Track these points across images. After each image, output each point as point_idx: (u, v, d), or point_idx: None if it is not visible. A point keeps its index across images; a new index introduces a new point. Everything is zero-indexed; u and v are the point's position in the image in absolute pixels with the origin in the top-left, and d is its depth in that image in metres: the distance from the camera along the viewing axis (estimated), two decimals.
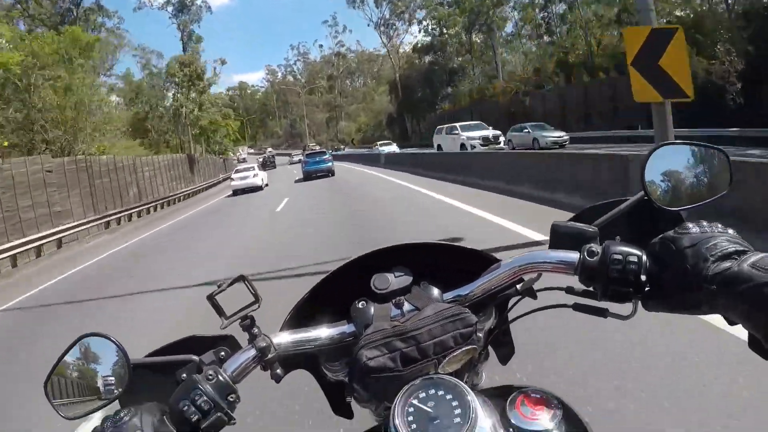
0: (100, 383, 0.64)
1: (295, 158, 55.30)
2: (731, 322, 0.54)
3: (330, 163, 24.57)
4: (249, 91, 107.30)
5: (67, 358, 0.65)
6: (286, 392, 2.76)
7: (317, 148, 38.79)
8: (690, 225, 0.59)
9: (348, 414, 0.82)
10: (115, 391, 0.63)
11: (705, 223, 0.59)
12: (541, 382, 0.66)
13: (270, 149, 79.72)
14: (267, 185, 25.06)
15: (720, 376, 2.41)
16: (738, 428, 2.00)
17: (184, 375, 0.66)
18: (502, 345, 0.82)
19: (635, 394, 2.36)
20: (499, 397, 0.62)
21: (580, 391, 2.41)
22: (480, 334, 0.67)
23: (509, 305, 0.78)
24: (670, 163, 0.70)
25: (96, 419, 0.61)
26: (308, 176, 24.07)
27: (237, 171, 24.22)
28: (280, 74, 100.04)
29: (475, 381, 0.74)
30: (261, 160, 43.66)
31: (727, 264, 0.53)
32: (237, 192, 23.24)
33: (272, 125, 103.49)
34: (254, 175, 23.32)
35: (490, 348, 0.78)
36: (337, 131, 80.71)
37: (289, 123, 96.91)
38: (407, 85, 53.25)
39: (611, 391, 2.41)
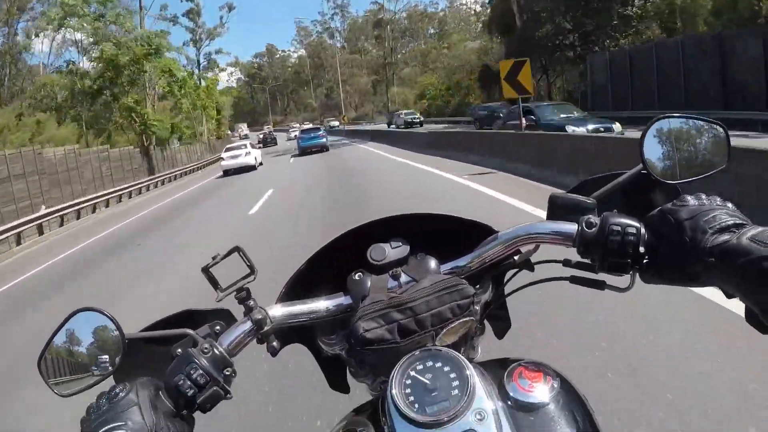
0: (94, 359, 0.64)
1: (292, 134, 55.77)
2: (729, 295, 0.53)
3: (324, 139, 26.02)
4: (279, 56, 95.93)
5: (61, 334, 0.64)
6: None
7: (310, 125, 42.69)
8: (689, 197, 0.59)
9: (344, 389, 0.83)
10: (110, 366, 0.63)
11: (704, 196, 0.59)
12: (538, 356, 0.65)
13: (269, 127, 74.06)
14: (261, 164, 24.60)
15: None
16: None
17: (180, 350, 0.65)
18: (499, 319, 0.83)
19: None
20: (497, 369, 0.62)
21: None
22: (477, 307, 0.67)
23: (506, 278, 0.78)
24: (668, 136, 0.71)
25: (91, 396, 0.60)
26: (303, 152, 25.64)
27: (227, 149, 23.77)
28: (315, 34, 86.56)
29: (472, 355, 0.73)
30: (261, 137, 44.44)
31: (725, 237, 0.53)
32: (228, 172, 22.64)
33: (305, 96, 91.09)
34: (246, 154, 22.76)
35: (486, 322, 0.78)
36: (387, 100, 60.49)
37: (325, 92, 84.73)
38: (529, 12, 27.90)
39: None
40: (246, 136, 57.64)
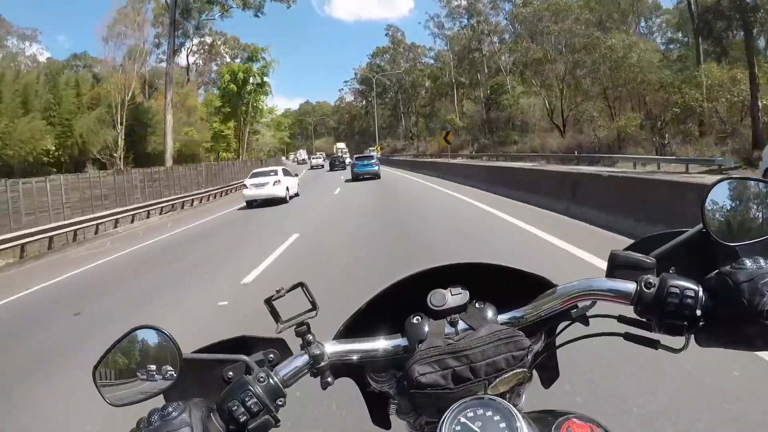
0: (147, 374, 0.65)
1: (313, 161, 58.81)
2: None
3: (376, 167, 26.45)
4: (405, 51, 70.94)
5: (120, 347, 0.66)
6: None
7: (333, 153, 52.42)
8: (747, 261, 0.60)
9: (386, 425, 0.83)
10: (164, 383, 0.64)
11: (762, 260, 0.60)
12: (582, 410, 0.66)
13: (340, 145, 69.88)
14: (297, 195, 19.61)
15: None
16: None
17: (231, 374, 0.68)
18: (547, 368, 0.83)
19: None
20: (546, 421, 0.63)
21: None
22: (529, 357, 0.68)
23: (558, 329, 0.78)
24: (730, 197, 0.71)
25: (141, 411, 0.61)
26: (356, 177, 26.00)
27: (253, 175, 18.62)
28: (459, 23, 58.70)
29: (516, 401, 0.73)
30: (329, 160, 47.73)
31: None
32: (252, 204, 17.41)
33: (446, 111, 61.74)
34: (275, 183, 17.53)
35: (534, 370, 0.77)
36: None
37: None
38: None
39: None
40: (304, 161, 54.41)
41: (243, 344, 0.72)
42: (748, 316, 0.55)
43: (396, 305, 0.77)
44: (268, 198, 17.51)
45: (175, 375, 0.64)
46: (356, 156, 30.50)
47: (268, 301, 0.70)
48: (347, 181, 26.56)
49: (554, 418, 0.63)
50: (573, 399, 2.49)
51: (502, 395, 0.64)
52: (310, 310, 0.70)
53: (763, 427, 2.24)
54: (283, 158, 69.47)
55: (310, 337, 0.69)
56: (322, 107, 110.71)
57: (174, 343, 0.65)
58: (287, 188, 18.06)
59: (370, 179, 25.38)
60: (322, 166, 54.31)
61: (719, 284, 0.60)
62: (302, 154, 69.42)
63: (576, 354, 1.86)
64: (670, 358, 0.72)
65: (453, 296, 0.73)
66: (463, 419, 0.59)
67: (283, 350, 0.72)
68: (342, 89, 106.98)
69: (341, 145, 72.20)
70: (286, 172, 19.05)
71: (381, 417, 0.82)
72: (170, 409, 0.58)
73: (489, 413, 0.59)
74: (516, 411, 0.59)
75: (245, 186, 17.84)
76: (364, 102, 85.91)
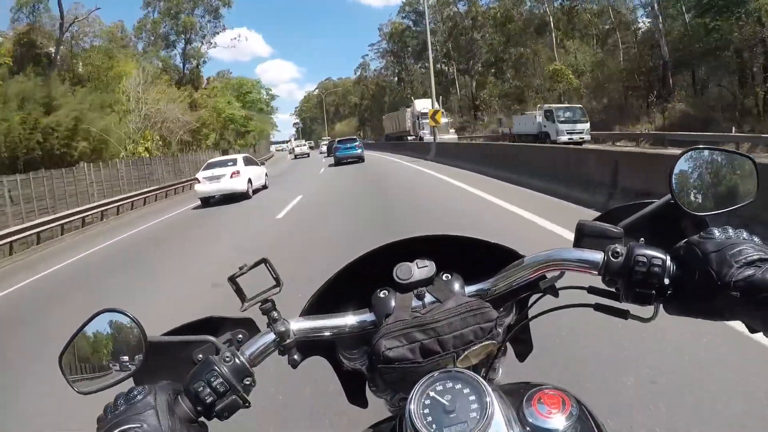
0: (115, 359, 0.65)
1: (297, 149, 49.01)
2: (752, 330, 0.55)
3: (359, 150, 25.48)
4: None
5: (84, 333, 0.65)
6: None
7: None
8: (715, 230, 0.60)
9: (363, 403, 0.83)
10: (130, 368, 0.64)
11: (730, 230, 0.60)
12: (557, 381, 0.67)
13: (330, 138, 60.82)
14: (264, 188, 16.78)
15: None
16: None
17: (201, 356, 0.68)
18: (521, 341, 0.84)
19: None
20: (517, 393, 0.63)
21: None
22: (500, 330, 0.69)
23: (530, 302, 0.78)
24: (697, 168, 0.71)
25: (110, 395, 0.60)
26: (338, 161, 25.27)
27: (207, 166, 15.63)
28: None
29: (492, 376, 0.75)
30: (326, 146, 41.66)
31: (751, 271, 0.54)
32: (208, 201, 14.61)
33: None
34: (233, 174, 14.50)
35: (508, 344, 0.79)
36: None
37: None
38: None
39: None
40: (304, 154, 46.66)
41: (212, 325, 0.72)
42: (717, 286, 0.55)
43: (363, 280, 0.76)
44: (225, 193, 14.66)
45: (140, 359, 0.63)
46: (338, 139, 30.11)
47: (232, 279, 0.69)
48: (331, 165, 25.20)
49: (525, 390, 0.63)
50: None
51: (475, 368, 0.65)
52: (274, 287, 0.69)
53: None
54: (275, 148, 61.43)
55: (275, 315, 0.68)
56: (345, 84, 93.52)
57: (139, 326, 0.64)
58: (249, 180, 15.11)
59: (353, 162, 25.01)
60: (307, 155, 47.04)
61: (687, 254, 0.60)
62: (299, 143, 54.13)
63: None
64: (642, 327, 0.70)
65: (419, 269, 0.73)
66: (432, 393, 0.59)
67: (251, 329, 0.72)
68: (366, 55, 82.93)
69: (302, 141, 60.33)
70: (248, 161, 16.08)
71: (357, 396, 0.82)
72: (135, 393, 0.57)
73: (458, 386, 0.59)
74: (485, 383, 0.59)
75: (197, 180, 14.92)
76: (396, 68, 63.94)
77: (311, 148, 57.23)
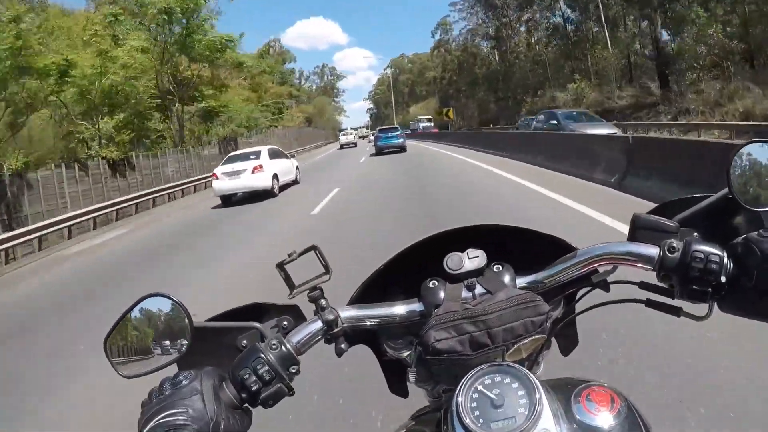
0: (160, 344, 0.64)
1: (343, 138, 43.61)
2: None
3: (401, 140, 25.17)
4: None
5: (130, 317, 0.65)
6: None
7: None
8: None
9: (404, 393, 0.82)
10: (176, 353, 0.63)
11: None
12: (602, 377, 0.66)
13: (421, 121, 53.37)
14: (295, 183, 15.00)
15: None
16: None
17: (245, 342, 0.68)
18: (566, 336, 0.82)
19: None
20: (564, 389, 0.62)
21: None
22: (548, 323, 0.67)
23: (578, 295, 0.76)
24: (756, 161, 0.68)
25: (153, 381, 0.60)
26: (380, 151, 25.05)
27: (227, 161, 13.78)
28: None
29: (535, 370, 0.72)
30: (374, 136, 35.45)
31: None
32: (228, 200, 12.89)
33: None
34: (254, 170, 12.56)
35: (553, 338, 0.76)
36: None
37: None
38: None
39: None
40: (351, 144, 41.52)
41: (257, 311, 0.72)
42: None
43: (412, 270, 0.75)
44: (247, 191, 12.78)
45: (186, 345, 0.63)
46: (379, 128, 29.07)
47: (280, 266, 0.69)
48: (368, 157, 23.93)
49: (573, 386, 0.62)
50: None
51: (520, 362, 0.63)
52: (323, 274, 0.69)
53: None
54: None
55: (324, 302, 0.68)
56: (421, 59, 79.84)
57: (185, 310, 0.64)
58: (274, 176, 13.15)
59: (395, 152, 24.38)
60: (355, 145, 42.47)
61: (745, 251, 0.58)
62: (349, 135, 45.79)
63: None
64: (692, 326, 0.71)
65: (470, 259, 0.71)
66: (480, 387, 0.58)
67: (297, 317, 0.72)
68: (447, 16, 59.40)
69: (350, 130, 52.50)
70: (275, 154, 14.09)
71: (398, 385, 0.81)
72: (181, 378, 0.57)
73: (507, 380, 0.58)
74: (534, 378, 0.57)
75: (215, 177, 13.10)
76: (494, 26, 45.01)
77: (362, 137, 51.56)
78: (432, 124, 51.09)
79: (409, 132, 44.74)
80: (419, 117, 56.03)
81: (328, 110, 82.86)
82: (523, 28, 44.68)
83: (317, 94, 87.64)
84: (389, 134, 25.83)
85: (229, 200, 13.10)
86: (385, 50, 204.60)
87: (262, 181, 12.72)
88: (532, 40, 44.08)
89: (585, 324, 0.80)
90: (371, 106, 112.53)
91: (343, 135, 46.08)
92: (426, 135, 39.43)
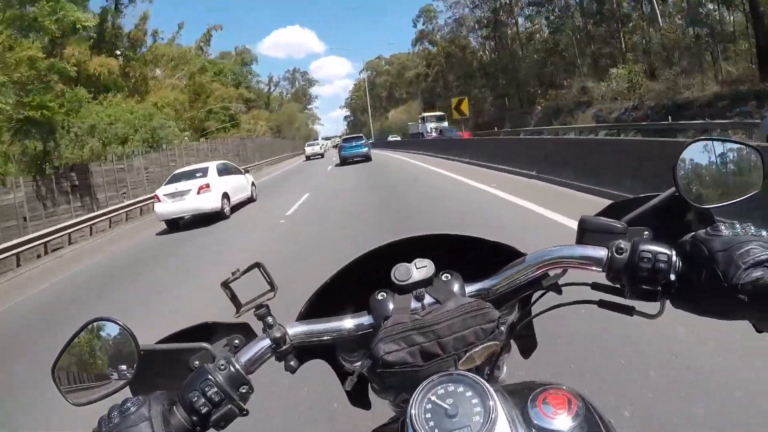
0: (110, 369, 0.64)
1: (309, 149, 40.16)
2: (759, 330, 0.55)
3: (366, 149, 24.88)
4: None
5: (76, 343, 0.64)
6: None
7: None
8: (722, 227, 0.59)
9: (366, 405, 0.83)
10: (125, 377, 0.63)
11: (738, 225, 0.59)
12: (563, 378, 0.65)
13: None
14: (251, 201, 13.72)
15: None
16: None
17: (197, 362, 0.67)
18: (525, 338, 0.84)
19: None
20: (521, 393, 0.62)
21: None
22: (502, 329, 0.68)
23: (533, 299, 0.77)
24: (703, 159, 0.70)
25: (105, 406, 0.59)
26: (344, 161, 24.59)
27: (171, 180, 12.19)
28: None
29: (497, 374, 0.74)
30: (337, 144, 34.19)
31: (759, 272, 0.53)
32: (173, 224, 11.44)
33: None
34: (200, 189, 11.10)
35: (512, 341, 0.79)
36: None
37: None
38: None
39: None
40: (317, 155, 38.38)
41: (207, 331, 0.71)
42: (723, 288, 0.54)
43: (361, 282, 0.75)
44: (193, 214, 11.32)
45: (134, 368, 0.62)
46: (343, 138, 28.41)
47: (225, 285, 0.68)
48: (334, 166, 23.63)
49: (531, 391, 0.61)
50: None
51: (478, 368, 0.63)
52: (268, 291, 0.69)
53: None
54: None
55: (270, 320, 0.68)
56: (400, 59, 72.66)
57: (131, 334, 0.63)
58: (225, 195, 11.70)
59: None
60: (322, 156, 39.41)
61: (693, 249, 0.59)
62: (316, 146, 42.69)
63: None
64: (649, 322, 0.69)
65: (418, 270, 0.71)
66: (433, 397, 0.57)
67: (247, 335, 0.71)
68: (432, 2, 53.54)
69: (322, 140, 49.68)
70: (225, 170, 12.58)
71: (360, 398, 0.81)
72: (128, 404, 0.56)
73: (460, 389, 0.58)
74: (488, 385, 0.57)
75: (157, 199, 11.54)
76: (490, 8, 40.09)
77: (336, 146, 46.11)
78: (447, 124, 35.29)
79: (397, 140, 38.19)
80: (425, 115, 39.79)
81: (299, 118, 78.06)
82: (527, 10, 38.06)
83: (288, 101, 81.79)
84: (353, 143, 25.51)
85: (176, 225, 11.64)
86: (362, 56, 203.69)
87: (209, 202, 11.23)
88: (541, 22, 36.99)
89: (546, 326, 0.79)
90: (348, 113, 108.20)
91: (309, 146, 42.98)
92: (432, 145, 24.05)
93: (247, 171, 14.48)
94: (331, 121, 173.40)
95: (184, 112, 31.14)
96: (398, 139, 43.09)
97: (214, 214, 11.29)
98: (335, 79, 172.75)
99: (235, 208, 12.43)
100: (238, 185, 12.88)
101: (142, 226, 13.99)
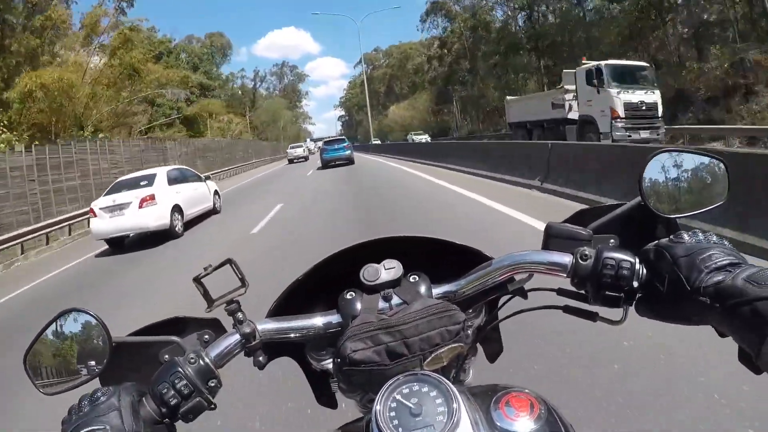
0: (81, 360, 0.64)
1: (291, 151, 38.15)
2: (722, 335, 0.55)
3: (348, 152, 24.26)
4: None
5: (48, 333, 0.65)
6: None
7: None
8: (685, 235, 0.61)
9: (332, 404, 0.84)
10: (96, 368, 0.64)
11: (700, 234, 0.60)
12: (528, 382, 0.68)
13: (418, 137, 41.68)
14: (214, 212, 11.86)
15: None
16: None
17: (167, 356, 0.68)
18: (491, 342, 0.85)
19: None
20: (485, 396, 0.64)
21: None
22: (468, 332, 0.70)
23: (499, 303, 0.79)
24: (668, 169, 0.71)
25: (77, 396, 0.60)
26: (326, 164, 23.92)
27: (111, 190, 10.11)
28: None
29: (462, 377, 0.76)
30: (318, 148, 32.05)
31: (720, 277, 0.54)
32: (118, 243, 9.50)
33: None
34: (143, 202, 9.04)
35: (478, 345, 0.80)
36: None
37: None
38: None
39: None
40: (301, 158, 35.75)
41: (179, 326, 0.72)
42: (686, 292, 0.55)
43: (331, 281, 0.76)
44: (135, 231, 9.29)
45: (105, 359, 0.63)
46: (324, 140, 27.65)
47: (197, 280, 0.69)
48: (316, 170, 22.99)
49: (494, 393, 0.63)
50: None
51: (444, 370, 0.65)
52: (239, 288, 0.70)
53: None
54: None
55: (241, 315, 0.69)
56: (401, 48, 65.97)
57: (103, 325, 0.64)
58: (176, 209, 9.69)
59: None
60: (305, 159, 37.37)
61: (657, 257, 0.60)
62: (298, 149, 39.65)
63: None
64: (612, 329, 0.71)
65: (386, 270, 0.72)
66: (398, 396, 0.58)
67: (217, 330, 0.72)
68: None
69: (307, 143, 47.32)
70: (178, 177, 10.54)
71: (326, 397, 0.82)
72: (99, 394, 0.57)
73: (425, 389, 0.59)
74: (452, 386, 0.58)
75: (93, 213, 9.49)
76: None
77: (312, 151, 43.66)
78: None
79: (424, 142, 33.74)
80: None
81: (286, 116, 71.96)
82: None
83: (275, 98, 75.70)
84: (335, 146, 24.67)
85: (121, 244, 9.64)
86: (356, 59, 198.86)
87: (154, 218, 9.14)
88: None
89: (511, 330, 0.81)
90: (343, 113, 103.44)
91: (292, 148, 40.09)
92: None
93: (208, 178, 12.41)
94: (326, 121, 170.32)
95: (99, 100, 23.97)
96: (424, 140, 36.78)
97: (161, 232, 9.26)
98: (330, 80, 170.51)
99: (193, 222, 10.53)
100: (196, 195, 10.87)
101: (73, 247, 11.54)
